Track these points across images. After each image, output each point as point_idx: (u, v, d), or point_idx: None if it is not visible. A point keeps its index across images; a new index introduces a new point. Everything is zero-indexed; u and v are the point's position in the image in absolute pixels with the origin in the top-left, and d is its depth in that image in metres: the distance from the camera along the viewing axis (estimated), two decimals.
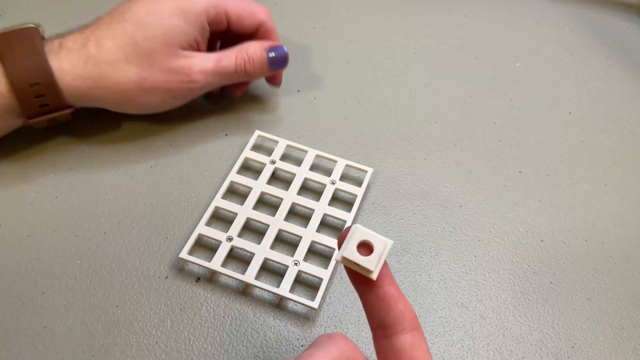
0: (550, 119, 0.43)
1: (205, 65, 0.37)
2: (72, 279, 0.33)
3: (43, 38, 0.34)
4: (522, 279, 0.34)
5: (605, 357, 0.31)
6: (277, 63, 0.39)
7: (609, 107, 0.45)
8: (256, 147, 0.39)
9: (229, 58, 0.37)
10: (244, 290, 0.33)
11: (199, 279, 0.33)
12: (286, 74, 0.42)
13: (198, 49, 0.37)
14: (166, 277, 0.33)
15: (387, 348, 0.22)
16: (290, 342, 0.31)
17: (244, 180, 0.37)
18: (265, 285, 0.31)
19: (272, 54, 0.38)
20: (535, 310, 0.33)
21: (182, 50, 0.36)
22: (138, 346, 0.30)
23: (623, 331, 0.32)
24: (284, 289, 0.31)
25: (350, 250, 0.22)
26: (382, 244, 0.22)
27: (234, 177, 0.37)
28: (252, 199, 0.36)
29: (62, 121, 0.37)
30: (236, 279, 0.32)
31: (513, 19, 0.52)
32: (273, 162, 0.37)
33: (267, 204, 0.36)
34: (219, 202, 0.35)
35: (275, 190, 0.36)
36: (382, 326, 0.22)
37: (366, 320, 0.32)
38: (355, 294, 0.33)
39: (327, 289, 0.33)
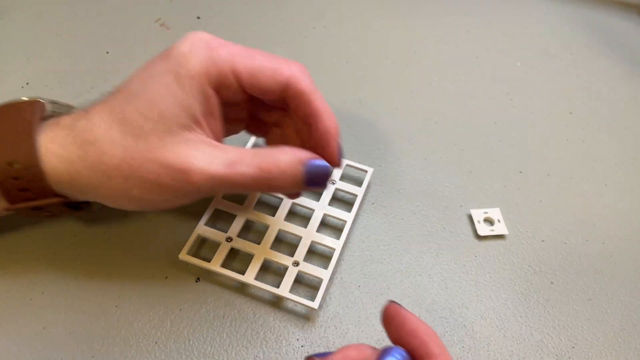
0: (550, 119, 0.43)
1: (211, 167, 0.27)
2: (72, 279, 0.33)
3: (45, 114, 0.29)
4: (523, 279, 0.34)
5: (606, 357, 0.31)
6: (316, 182, 0.28)
7: (609, 107, 0.45)
8: (256, 147, 0.39)
9: (249, 164, 0.27)
10: (244, 291, 0.33)
11: (199, 279, 0.33)
12: None
13: (207, 127, 0.28)
14: (166, 277, 0.33)
15: None
16: (290, 343, 0.31)
17: None
18: (265, 286, 0.31)
19: (310, 169, 0.28)
20: (535, 311, 0.33)
21: (182, 132, 0.27)
22: (138, 346, 0.30)
23: (624, 331, 0.32)
24: (284, 289, 0.31)
25: None
26: None
27: None
28: (252, 199, 0.35)
29: (58, 214, 0.30)
30: (236, 279, 0.32)
31: (513, 19, 0.52)
32: None
33: (266, 204, 0.36)
34: (219, 202, 0.35)
35: None
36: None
37: (366, 321, 0.32)
38: (355, 294, 0.33)
39: (327, 289, 0.33)
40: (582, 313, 0.33)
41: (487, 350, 0.31)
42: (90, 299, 0.32)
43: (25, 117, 0.28)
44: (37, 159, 0.27)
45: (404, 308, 0.24)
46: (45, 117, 0.29)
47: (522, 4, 0.53)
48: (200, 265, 0.32)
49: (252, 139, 0.39)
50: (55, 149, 0.27)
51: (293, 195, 0.34)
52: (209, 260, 0.32)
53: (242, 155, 0.27)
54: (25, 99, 0.29)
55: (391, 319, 0.24)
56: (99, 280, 0.33)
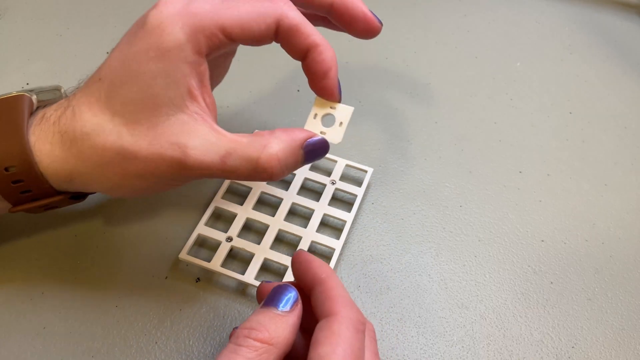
0: (550, 119, 0.43)
1: (206, 157, 0.26)
2: (72, 279, 0.33)
3: (35, 108, 0.28)
4: (523, 279, 0.34)
5: (606, 357, 0.31)
6: (314, 157, 0.28)
7: (609, 107, 0.45)
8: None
9: (244, 157, 0.26)
10: (244, 290, 0.33)
11: (199, 279, 0.33)
12: (286, 74, 0.42)
13: (200, 98, 0.27)
14: (166, 277, 0.33)
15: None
16: None
17: None
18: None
19: (309, 149, 0.27)
20: (535, 311, 0.33)
21: (177, 114, 0.26)
22: (138, 346, 0.30)
23: (623, 331, 0.32)
24: None
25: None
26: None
27: None
28: (251, 199, 0.35)
29: (62, 206, 0.30)
30: (236, 279, 0.32)
31: (513, 19, 0.52)
32: None
33: (266, 204, 0.36)
34: (219, 202, 0.35)
35: (275, 191, 0.36)
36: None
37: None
38: (355, 294, 0.33)
39: None
40: (581, 313, 0.33)
41: (487, 350, 0.31)
42: (90, 299, 0.32)
43: (17, 115, 0.27)
44: (32, 161, 0.26)
45: (311, 255, 0.26)
46: (33, 111, 0.28)
47: (522, 4, 0.53)
48: (200, 265, 0.32)
49: None
50: (47, 149, 0.26)
51: None
52: (209, 260, 0.32)
53: (236, 146, 0.26)
54: (12, 93, 0.28)
55: (296, 262, 0.26)
56: (99, 280, 0.33)
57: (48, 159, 0.26)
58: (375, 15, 0.30)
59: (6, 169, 0.26)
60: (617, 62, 0.48)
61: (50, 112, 0.27)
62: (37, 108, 0.28)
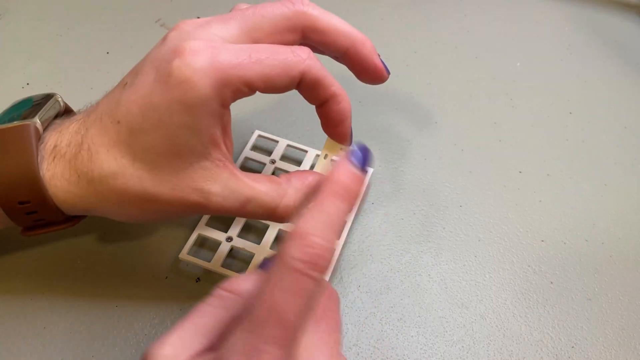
0: (550, 119, 0.43)
1: (226, 203, 0.27)
2: (72, 279, 0.33)
3: (42, 132, 0.28)
4: (523, 279, 0.34)
5: (606, 357, 0.31)
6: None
7: (609, 107, 0.45)
8: (256, 147, 0.39)
9: (261, 205, 0.28)
10: None
11: (199, 279, 0.33)
12: None
13: (222, 145, 0.27)
14: (166, 277, 0.33)
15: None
16: None
17: None
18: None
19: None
20: (535, 311, 0.33)
21: (199, 161, 0.26)
22: (138, 346, 0.30)
23: (624, 331, 0.32)
24: None
25: None
26: None
27: None
28: None
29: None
30: None
31: (513, 19, 0.52)
32: (273, 161, 0.37)
33: None
34: None
35: None
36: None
37: (366, 320, 0.32)
38: (355, 294, 0.33)
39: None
40: (581, 313, 0.33)
41: (487, 350, 0.31)
42: (90, 299, 0.32)
43: (28, 147, 0.26)
44: (47, 196, 0.26)
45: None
46: (39, 137, 0.27)
47: (521, 4, 0.53)
48: (200, 265, 0.32)
49: (254, 136, 0.39)
50: (64, 186, 0.27)
51: None
52: (209, 260, 0.32)
53: (255, 194, 0.27)
54: (15, 123, 0.27)
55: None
56: (99, 280, 0.33)
57: (64, 195, 0.27)
58: (385, 65, 0.31)
59: (20, 203, 0.26)
60: (617, 62, 0.48)
61: (63, 146, 0.27)
62: (44, 129, 0.28)
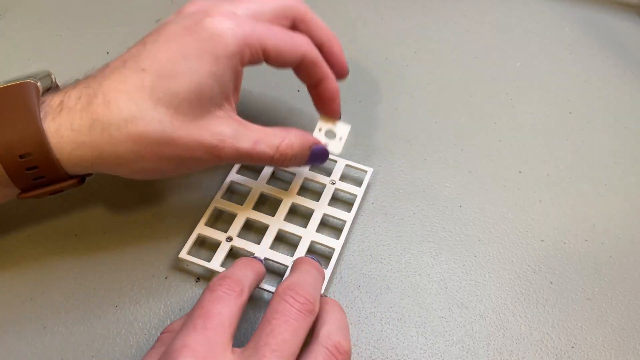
0: (550, 119, 0.43)
1: (239, 143, 0.30)
2: (72, 279, 0.33)
3: (41, 94, 0.28)
4: (522, 279, 0.34)
5: (606, 357, 0.31)
6: (315, 162, 0.34)
7: (609, 107, 0.45)
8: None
9: (269, 144, 0.31)
10: None
11: (199, 279, 0.33)
12: (286, 74, 0.42)
13: (232, 101, 0.31)
14: (166, 277, 0.33)
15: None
16: None
17: (244, 180, 0.37)
18: (265, 285, 0.31)
19: (314, 153, 0.33)
20: (535, 311, 0.33)
21: (215, 110, 0.29)
22: (138, 346, 0.30)
23: (623, 331, 0.32)
24: None
25: None
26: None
27: (233, 177, 0.37)
28: (252, 199, 0.36)
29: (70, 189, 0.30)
30: None
31: (513, 19, 0.52)
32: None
33: (266, 204, 0.36)
34: (219, 202, 0.35)
35: (275, 190, 0.36)
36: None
37: (366, 320, 0.32)
38: (355, 294, 0.33)
39: (326, 289, 0.33)
40: (581, 313, 0.33)
41: (487, 350, 0.31)
42: (90, 299, 0.32)
43: (30, 102, 0.27)
44: (49, 148, 0.27)
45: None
46: (40, 97, 0.28)
47: (521, 4, 0.53)
48: (200, 265, 0.32)
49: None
50: (72, 136, 0.27)
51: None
52: (209, 260, 0.32)
53: (263, 135, 0.31)
54: (15, 80, 0.28)
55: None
56: (99, 280, 0.33)
57: (71, 146, 0.27)
58: (347, 64, 0.36)
59: (21, 157, 0.26)
60: (617, 62, 0.48)
61: (72, 99, 0.28)
62: (43, 94, 0.29)
